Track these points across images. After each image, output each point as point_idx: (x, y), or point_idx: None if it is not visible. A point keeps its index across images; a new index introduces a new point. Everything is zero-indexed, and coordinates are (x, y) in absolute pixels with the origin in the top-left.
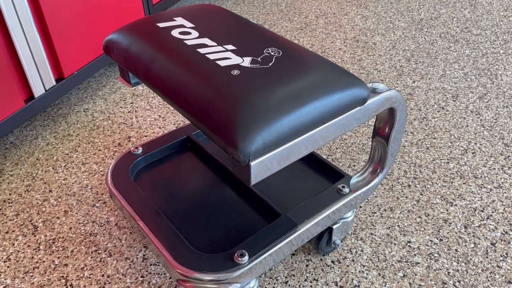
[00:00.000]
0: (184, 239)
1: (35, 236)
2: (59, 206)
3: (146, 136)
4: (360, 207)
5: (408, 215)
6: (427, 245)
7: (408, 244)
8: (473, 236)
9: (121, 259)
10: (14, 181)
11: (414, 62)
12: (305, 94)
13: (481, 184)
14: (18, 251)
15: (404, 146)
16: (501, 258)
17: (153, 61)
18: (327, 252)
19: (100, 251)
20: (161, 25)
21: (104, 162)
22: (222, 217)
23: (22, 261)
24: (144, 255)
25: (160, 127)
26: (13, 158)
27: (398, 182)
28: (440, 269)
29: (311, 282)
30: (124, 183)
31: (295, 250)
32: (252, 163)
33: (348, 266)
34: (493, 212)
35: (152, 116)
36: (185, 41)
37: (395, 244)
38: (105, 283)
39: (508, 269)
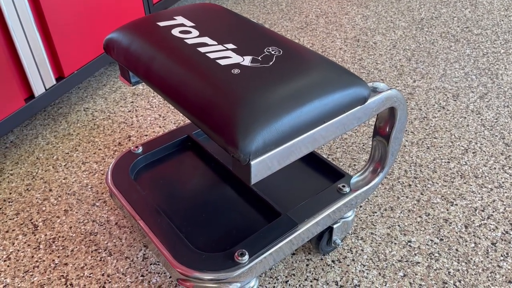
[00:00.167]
0: (184, 238)
1: (35, 235)
2: (59, 205)
3: (146, 135)
4: (361, 206)
5: (408, 215)
6: (427, 244)
7: (409, 243)
8: (474, 235)
9: (121, 258)
10: (14, 180)
11: (415, 62)
12: (306, 93)
13: (482, 183)
14: (18, 250)
15: (405, 146)
16: (502, 258)
17: (153, 60)
18: (328, 251)
19: (100, 250)
20: (161, 24)
21: (104, 161)
22: (222, 216)
23: (22, 260)
24: (144, 254)
25: (160, 126)
26: (13, 157)
27: (399, 182)
28: (441, 269)
29: (311, 281)
30: (124, 182)
31: (295, 249)
32: (252, 162)
33: (348, 265)
34: (493, 211)
35: (152, 116)
36: (186, 40)
37: (395, 243)
38: (105, 282)
39: (508, 269)
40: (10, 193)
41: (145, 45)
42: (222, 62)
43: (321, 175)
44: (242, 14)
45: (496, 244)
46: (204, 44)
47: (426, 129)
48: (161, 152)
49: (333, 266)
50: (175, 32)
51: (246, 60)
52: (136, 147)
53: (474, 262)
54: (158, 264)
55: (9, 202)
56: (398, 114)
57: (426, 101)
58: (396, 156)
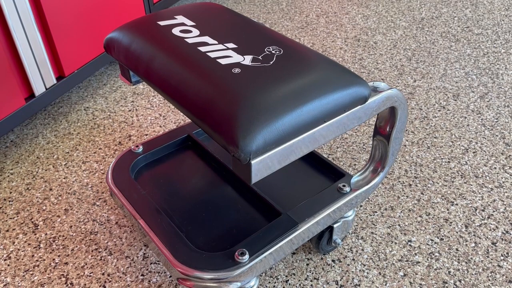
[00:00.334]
0: (185, 237)
1: (35, 234)
2: (59, 205)
3: (146, 134)
4: (361, 206)
5: (408, 214)
6: (427, 244)
7: (409, 243)
8: (474, 235)
9: (122, 258)
10: (15, 179)
11: (415, 61)
12: (306, 93)
13: (482, 183)
14: (19, 250)
15: (405, 145)
16: (502, 258)
17: (153, 59)
18: (328, 251)
19: (100, 250)
20: (162, 23)
21: (105, 161)
22: (223, 215)
23: (22, 259)
24: (144, 253)
25: (160, 126)
26: (13, 156)
27: (399, 181)
28: (441, 269)
29: (311, 281)
30: (124, 181)
31: (295, 249)
32: (252, 162)
33: (348, 265)
34: (494, 211)
35: (152, 115)
36: (186, 40)
37: (395, 243)
38: (105, 282)
39: (509, 269)
40: (11, 192)
41: (146, 45)
42: (223, 61)
43: (321, 174)
44: (242, 13)
45: (497, 244)
46: (205, 44)
47: (426, 128)
48: (161, 152)
49: (333, 266)
50: (176, 31)
51: (247, 60)
52: (137, 146)
53: (475, 261)
54: (159, 264)
55: (9, 201)
56: (399, 113)
57: (426, 101)
58: (396, 155)
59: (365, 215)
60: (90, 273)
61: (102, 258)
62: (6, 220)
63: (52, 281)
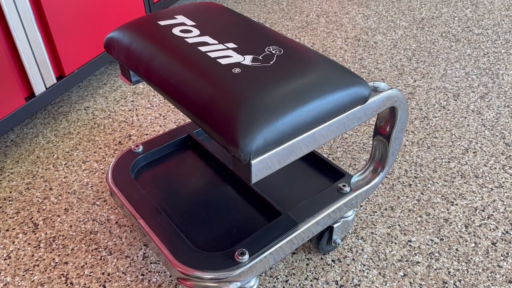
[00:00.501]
0: (185, 237)
1: (35, 234)
2: (59, 204)
3: (146, 134)
4: (361, 206)
5: (408, 215)
6: (427, 244)
7: (409, 243)
8: (474, 235)
9: (122, 257)
10: (15, 179)
11: (415, 61)
12: (306, 93)
13: (482, 183)
14: (19, 249)
15: (405, 145)
16: (502, 258)
17: (154, 59)
18: (328, 251)
19: (100, 249)
20: (162, 23)
21: (105, 160)
22: (223, 215)
23: (22, 259)
24: (144, 253)
25: (160, 126)
26: (13, 156)
27: (399, 181)
28: (441, 269)
29: (311, 281)
30: (124, 181)
31: (295, 249)
32: (253, 162)
33: (348, 265)
34: (494, 211)
35: (152, 115)
36: (186, 39)
37: (395, 243)
38: (105, 281)
39: (508, 269)
40: (11, 192)
41: (146, 44)
42: (223, 61)
43: (321, 174)
44: (242, 13)
45: (496, 244)
46: (205, 43)
47: (426, 128)
48: (161, 151)
49: (333, 266)
50: (176, 31)
51: (247, 59)
52: (137, 146)
53: (474, 262)
54: (158, 263)
55: (9, 200)
56: (399, 113)
57: (426, 101)
58: (396, 155)
59: (365, 215)
60: (90, 273)
61: (102, 258)
62: (6, 220)
63: (52, 280)
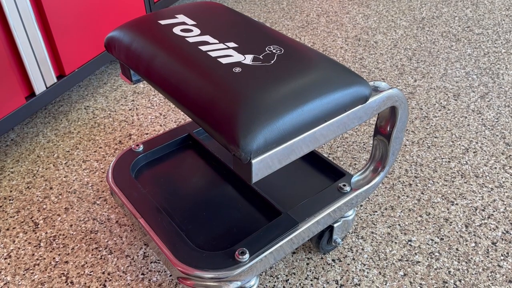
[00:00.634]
0: (185, 236)
1: (35, 233)
2: (59, 204)
3: (147, 134)
4: (361, 205)
5: (409, 214)
6: (428, 244)
7: (409, 243)
8: (474, 235)
9: (122, 257)
10: (15, 178)
11: (416, 61)
12: (307, 92)
13: (482, 183)
14: (19, 248)
15: (405, 145)
16: (502, 258)
17: (154, 58)
18: (328, 250)
19: (100, 249)
20: (162, 22)
21: (105, 160)
22: (223, 215)
23: (22, 258)
24: (144, 252)
25: (161, 125)
26: (14, 155)
27: (399, 181)
28: (441, 268)
29: (311, 280)
30: (125, 180)
31: (295, 248)
32: (253, 161)
33: (348, 264)
34: (494, 211)
35: (153, 114)
36: (187, 39)
37: (395, 243)
38: (105, 281)
39: (509, 269)
40: (11, 191)
41: (146, 43)
42: (224, 60)
43: (321, 174)
44: (242, 12)
45: (497, 244)
46: (206, 43)
47: (426, 128)
48: (162, 151)
49: (334, 265)
50: (177, 30)
51: (248, 59)
52: (137, 145)
53: (475, 261)
54: (159, 263)
55: (9, 200)
56: (399, 113)
57: (427, 101)
58: (397, 155)
59: (365, 215)
60: (91, 272)
61: (103, 257)
62: (7, 219)
63: (53, 280)
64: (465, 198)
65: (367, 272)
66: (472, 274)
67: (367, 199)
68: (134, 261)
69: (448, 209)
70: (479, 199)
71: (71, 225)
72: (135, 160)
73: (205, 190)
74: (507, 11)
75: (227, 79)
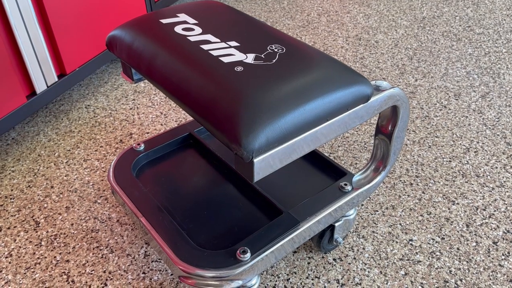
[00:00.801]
0: (186, 235)
1: (36, 232)
2: (60, 202)
3: (147, 133)
4: (362, 205)
5: (410, 214)
6: (428, 243)
7: (410, 242)
8: (475, 234)
9: (123, 256)
10: (16, 177)
11: (417, 61)
12: (309, 91)
13: (483, 183)
14: (20, 247)
15: (406, 145)
16: (503, 257)
17: (156, 57)
18: (329, 249)
19: (101, 248)
20: (164, 21)
21: (106, 159)
22: (224, 214)
23: (23, 257)
24: (145, 251)
25: (161, 124)
26: (14, 154)
27: (400, 181)
28: (442, 268)
29: (312, 279)
30: (126, 179)
31: (297, 247)
32: (255, 160)
33: (349, 264)
34: (495, 211)
35: (153, 113)
36: (188, 37)
37: (396, 242)
38: (106, 280)
39: (510, 268)
40: (12, 190)
41: (148, 42)
42: (225, 59)
43: (323, 173)
44: (243, 11)
45: (498, 243)
46: (207, 42)
47: (427, 128)
48: (163, 150)
49: (335, 264)
50: (178, 29)
51: (249, 58)
52: (138, 144)
53: (476, 261)
54: (160, 262)
55: (10, 198)
56: (401, 112)
57: (427, 100)
58: (398, 154)
59: (366, 214)
60: (92, 271)
61: (104, 256)
62: (8, 218)
63: (54, 278)
64: (466, 198)
65: (368, 272)
66: (473, 274)
67: (368, 198)
68: (135, 260)
69: (449, 209)
70: (480, 199)
71: (72, 224)
72: (136, 159)
73: (206, 189)
74: (508, 10)
75: (229, 78)
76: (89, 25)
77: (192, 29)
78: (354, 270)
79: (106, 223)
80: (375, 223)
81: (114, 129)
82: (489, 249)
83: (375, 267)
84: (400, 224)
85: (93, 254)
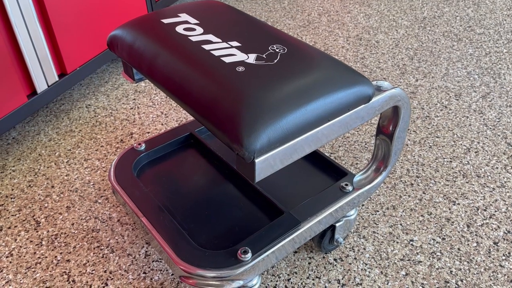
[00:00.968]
0: (187, 235)
1: (37, 231)
2: (61, 202)
3: (148, 132)
4: (363, 205)
5: (410, 214)
6: (429, 243)
7: (411, 242)
8: (476, 235)
9: (124, 255)
10: (17, 176)
11: (417, 61)
12: (310, 92)
13: (484, 183)
14: (21, 247)
15: (407, 145)
16: (504, 258)
17: (157, 57)
18: (330, 250)
19: (102, 247)
20: (165, 21)
21: (107, 158)
22: (225, 214)
23: (24, 256)
24: (146, 251)
25: (162, 124)
26: (15, 153)
27: (401, 181)
28: (443, 268)
29: (313, 279)
30: (127, 179)
31: (297, 247)
32: (256, 160)
33: (350, 264)
34: (495, 211)
35: (154, 113)
36: (190, 37)
37: (397, 242)
38: (107, 279)
39: (510, 268)
40: (12, 189)
41: (149, 42)
42: (227, 59)
43: (324, 173)
44: (244, 11)
45: (498, 244)
46: (209, 42)
47: (428, 128)
48: (164, 149)
49: (335, 265)
50: (179, 29)
51: (251, 58)
52: (139, 144)
53: (476, 261)
54: (161, 261)
55: (11, 198)
56: (402, 113)
57: (428, 100)
58: (399, 155)
59: (367, 214)
60: (92, 271)
61: (104, 256)
62: (8, 217)
63: (54, 278)
64: (466, 198)
65: (369, 272)
66: (474, 274)
67: (368, 198)
68: (136, 259)
69: (449, 209)
70: (480, 199)
71: (72, 224)
72: (137, 159)
73: (207, 189)
74: (508, 11)
75: (230, 78)
76: (90, 24)
77: (194, 29)
78: (354, 270)
79: (106, 223)
80: (375, 224)
81: (115, 129)
82: (489, 250)
83: (376, 267)
84: (400, 224)
85: (93, 254)
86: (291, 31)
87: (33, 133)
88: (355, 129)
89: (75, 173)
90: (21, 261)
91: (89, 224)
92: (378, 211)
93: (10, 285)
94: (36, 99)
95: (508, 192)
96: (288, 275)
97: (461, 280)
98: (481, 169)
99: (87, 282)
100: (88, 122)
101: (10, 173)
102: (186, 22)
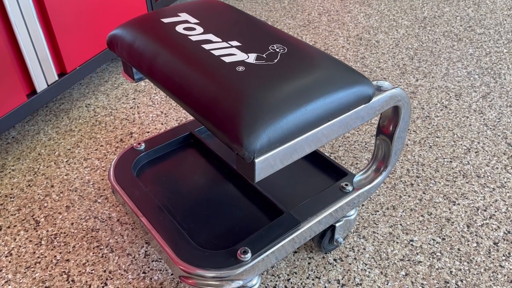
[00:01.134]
0: (187, 235)
1: (36, 231)
2: (61, 202)
3: (148, 132)
4: (363, 205)
5: (410, 214)
6: (429, 244)
7: (411, 242)
8: (476, 235)
9: (123, 255)
10: (16, 176)
11: (417, 61)
12: (311, 91)
13: (484, 183)
14: (20, 246)
15: (407, 145)
16: (504, 258)
17: (157, 56)
18: (330, 250)
19: (102, 247)
20: (165, 20)
21: (106, 158)
22: (225, 214)
23: (23, 256)
24: (146, 251)
25: (162, 123)
26: (15, 152)
27: (401, 181)
28: (443, 268)
29: (313, 279)
30: (126, 178)
31: (297, 247)
32: (256, 160)
33: (350, 264)
34: (496, 211)
35: (154, 112)
36: (190, 37)
37: (397, 242)
38: (107, 279)
39: (510, 269)
40: (12, 189)
41: (149, 42)
42: (227, 59)
43: (323, 173)
44: (244, 11)
45: (498, 244)
46: (209, 41)
47: (428, 128)
48: (163, 149)
49: (335, 265)
50: (179, 28)
51: (251, 58)
52: (139, 143)
53: (476, 261)
54: (160, 261)
55: (11, 197)
56: (402, 113)
57: (428, 100)
58: (399, 155)
59: (367, 214)
60: (92, 270)
61: (104, 256)
62: (8, 217)
63: (54, 278)
64: (466, 198)
65: (369, 272)
66: (474, 274)
67: (368, 198)
68: (136, 259)
69: (449, 209)
70: (480, 199)
71: (72, 223)
72: (136, 159)
73: (206, 189)
74: (509, 11)
75: (230, 78)
76: (90, 24)
77: (194, 29)
78: (354, 271)
79: (106, 223)
80: (375, 224)
81: (115, 128)
82: (489, 250)
83: (376, 267)
84: (400, 224)
85: (93, 253)
86: (291, 31)
87: (32, 133)
88: (355, 129)
89: (74, 172)
90: (21, 260)
91: (88, 224)
92: (378, 211)
93: (9, 285)
94: (36, 98)
95: (508, 192)
96: (288, 275)
97: (461, 281)
98: (481, 169)
99: (86, 281)
100: (88, 122)
101: (9, 172)
102: (186, 21)
